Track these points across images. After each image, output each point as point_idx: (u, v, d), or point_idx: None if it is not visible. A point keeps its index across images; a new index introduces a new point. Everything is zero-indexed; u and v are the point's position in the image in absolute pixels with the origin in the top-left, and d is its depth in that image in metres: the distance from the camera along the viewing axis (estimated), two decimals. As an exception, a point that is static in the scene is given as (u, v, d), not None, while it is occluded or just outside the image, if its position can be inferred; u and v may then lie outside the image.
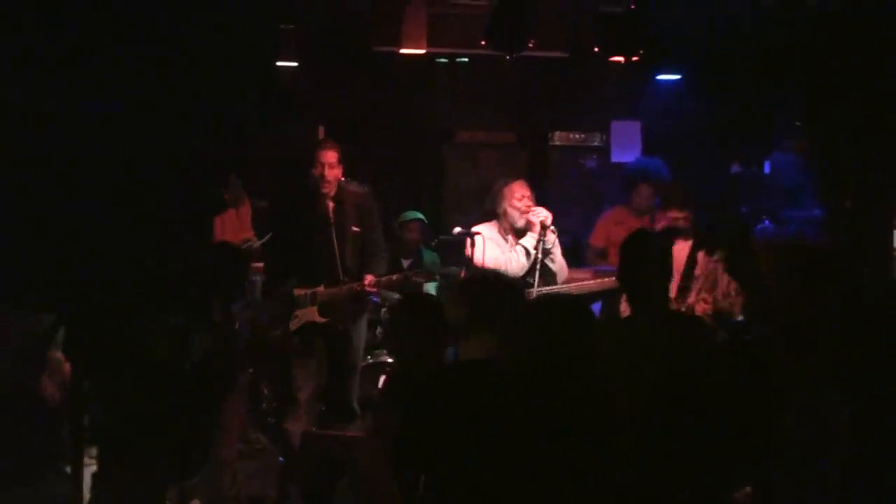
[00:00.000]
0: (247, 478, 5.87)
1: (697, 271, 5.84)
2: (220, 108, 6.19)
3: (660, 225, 6.04)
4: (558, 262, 6.00)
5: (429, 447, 3.22)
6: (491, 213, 6.16)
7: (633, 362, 3.81)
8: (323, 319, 5.98)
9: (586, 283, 6.04)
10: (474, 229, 6.06)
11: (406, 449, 3.32)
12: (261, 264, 6.60)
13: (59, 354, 4.35)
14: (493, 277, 4.31)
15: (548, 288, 5.89)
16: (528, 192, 6.05)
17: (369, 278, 5.93)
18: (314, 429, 5.87)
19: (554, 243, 5.96)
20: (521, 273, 5.90)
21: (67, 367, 4.24)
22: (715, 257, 5.80)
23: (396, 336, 4.39)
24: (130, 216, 4.92)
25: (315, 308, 5.98)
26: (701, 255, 5.88)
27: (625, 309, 5.49)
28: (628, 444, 3.57)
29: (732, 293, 5.72)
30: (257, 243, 6.67)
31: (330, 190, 6.02)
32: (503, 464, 3.08)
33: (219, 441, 5.43)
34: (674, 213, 5.91)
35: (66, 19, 4.77)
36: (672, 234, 5.54)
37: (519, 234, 6.00)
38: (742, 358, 3.97)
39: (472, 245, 5.96)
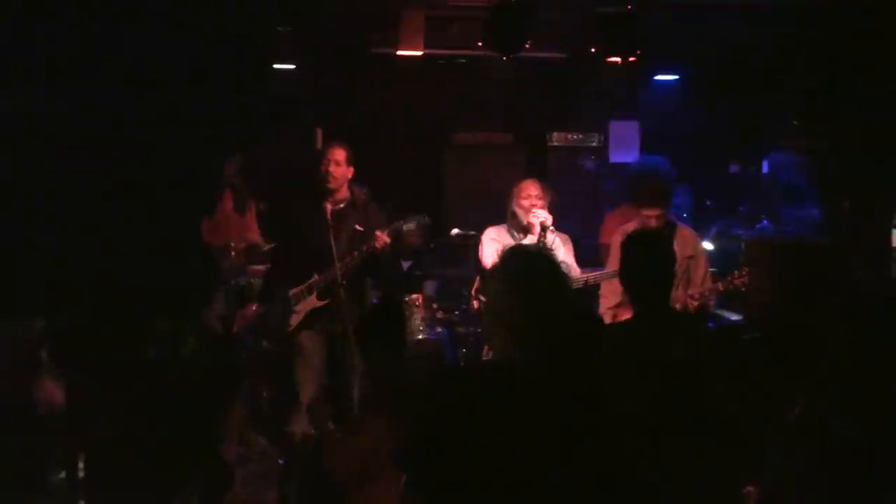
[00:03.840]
0: (246, 481, 5.88)
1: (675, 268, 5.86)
2: (217, 112, 6.18)
3: (631, 225, 6.05)
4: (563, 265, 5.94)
5: (439, 451, 3.09)
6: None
7: (649, 364, 3.75)
8: (323, 302, 5.94)
9: (586, 275, 6.03)
10: (488, 230, 6.11)
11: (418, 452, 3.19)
12: (261, 267, 6.60)
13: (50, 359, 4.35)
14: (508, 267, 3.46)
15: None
16: (536, 192, 6.01)
17: (380, 235, 5.86)
18: (314, 431, 5.86)
19: (555, 245, 5.92)
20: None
21: (60, 372, 4.23)
22: (689, 254, 5.82)
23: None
24: (120, 221, 4.91)
25: (313, 295, 5.96)
26: (677, 250, 5.89)
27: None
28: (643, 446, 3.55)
29: (708, 287, 5.77)
30: (265, 247, 6.68)
31: (336, 187, 5.99)
32: (513, 470, 2.99)
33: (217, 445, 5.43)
34: (648, 212, 5.90)
35: (64, 24, 4.77)
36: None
37: (527, 233, 5.98)
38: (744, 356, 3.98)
39: (482, 246, 6.08)
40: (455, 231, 6.54)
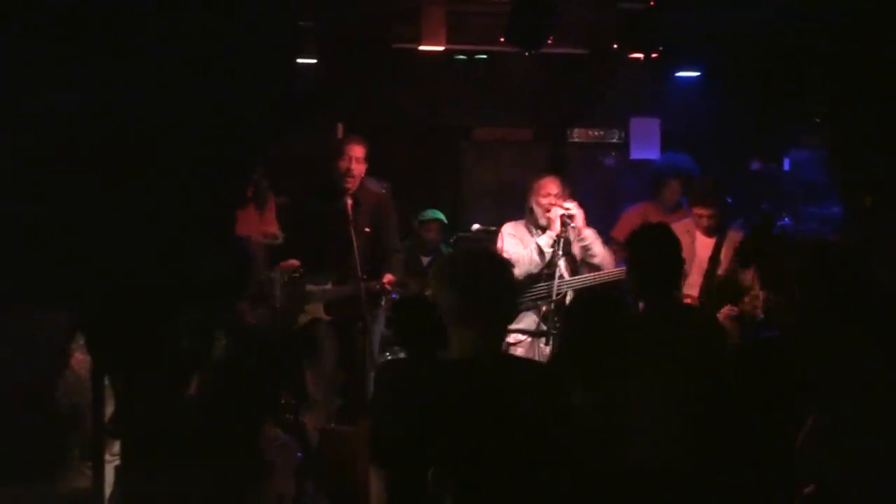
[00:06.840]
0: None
1: (720, 271, 5.84)
2: (240, 106, 6.20)
3: (682, 224, 6.04)
4: (600, 256, 6.00)
5: (412, 440, 3.08)
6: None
7: (649, 357, 3.81)
8: (328, 318, 6.00)
9: (603, 273, 6.03)
10: (506, 225, 6.11)
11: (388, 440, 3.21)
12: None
13: (79, 350, 4.37)
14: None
15: (568, 279, 5.88)
16: (556, 191, 6.00)
17: (388, 277, 5.94)
18: (332, 425, 5.89)
19: (593, 238, 5.97)
20: (536, 270, 5.89)
21: (88, 362, 4.25)
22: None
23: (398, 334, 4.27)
24: (149, 212, 4.93)
25: (321, 305, 6.00)
26: (724, 254, 5.87)
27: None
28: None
29: (754, 293, 5.73)
30: (280, 239, 6.71)
31: (353, 185, 6.03)
32: (489, 461, 2.98)
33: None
34: (699, 211, 5.89)
35: (84, 16, 4.79)
36: None
37: (545, 230, 5.98)
38: (760, 355, 3.98)
39: (500, 241, 6.06)
40: (476, 226, 6.53)
